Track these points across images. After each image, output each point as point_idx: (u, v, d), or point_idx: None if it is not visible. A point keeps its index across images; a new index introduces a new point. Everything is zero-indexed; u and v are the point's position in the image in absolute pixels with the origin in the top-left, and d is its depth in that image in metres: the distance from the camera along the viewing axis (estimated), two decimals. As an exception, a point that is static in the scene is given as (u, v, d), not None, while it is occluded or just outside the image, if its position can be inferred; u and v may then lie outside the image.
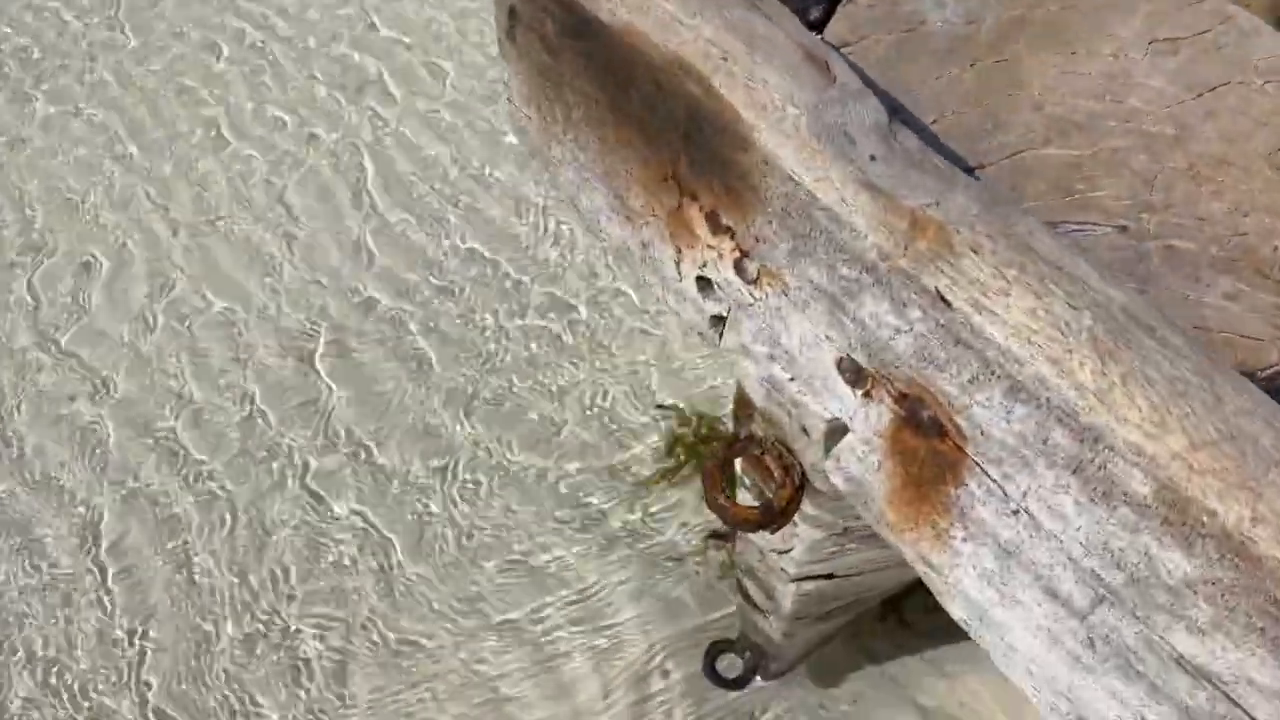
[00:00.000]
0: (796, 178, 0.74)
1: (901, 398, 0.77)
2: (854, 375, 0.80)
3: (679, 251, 0.91)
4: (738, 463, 1.10)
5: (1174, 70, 1.01)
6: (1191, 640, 0.66)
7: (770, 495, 1.02)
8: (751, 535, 1.33)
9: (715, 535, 2.24)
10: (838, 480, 0.90)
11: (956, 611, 0.84)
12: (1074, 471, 0.67)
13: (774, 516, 0.97)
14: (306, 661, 2.15)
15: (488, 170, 2.95)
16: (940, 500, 0.79)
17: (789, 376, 0.89)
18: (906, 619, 2.12)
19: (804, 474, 0.98)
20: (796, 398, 0.89)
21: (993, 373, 0.69)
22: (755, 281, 0.85)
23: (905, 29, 1.05)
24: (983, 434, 0.72)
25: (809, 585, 1.37)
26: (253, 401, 2.52)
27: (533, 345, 2.58)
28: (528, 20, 0.95)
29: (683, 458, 2.35)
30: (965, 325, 0.68)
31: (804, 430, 0.92)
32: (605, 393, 2.50)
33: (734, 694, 2.04)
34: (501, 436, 2.43)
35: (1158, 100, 0.99)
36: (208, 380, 2.57)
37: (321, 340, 2.63)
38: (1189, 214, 0.91)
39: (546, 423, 2.45)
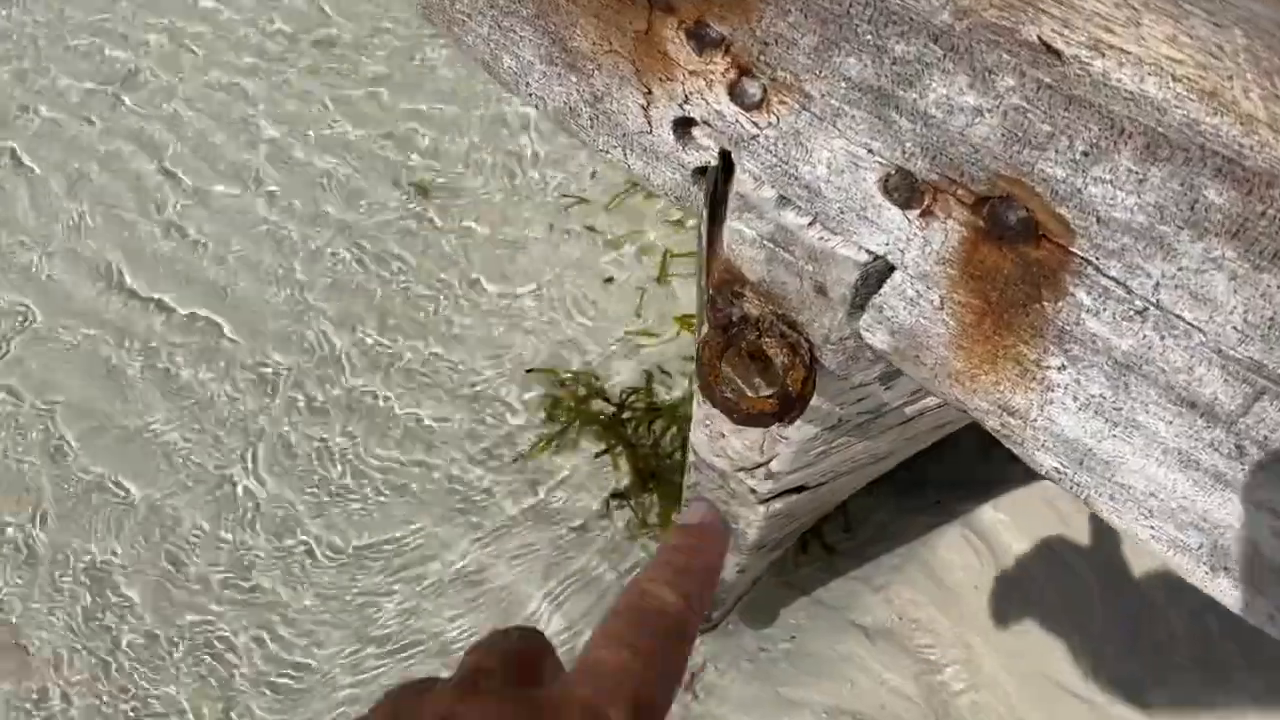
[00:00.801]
0: (831, -66, 0.59)
1: (979, 204, 0.63)
2: (907, 193, 0.66)
3: (648, 92, 0.73)
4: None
5: None
6: (1391, 411, 0.56)
7: (751, 393, 0.87)
8: (715, 459, 1.18)
9: (617, 495, 2.08)
10: (878, 339, 0.76)
11: (1046, 461, 0.72)
12: (1234, 235, 0.55)
13: (791, 404, 0.82)
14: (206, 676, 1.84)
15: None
16: (1030, 325, 0.66)
17: (807, 221, 0.73)
18: (829, 543, 2.04)
19: (813, 351, 0.84)
20: (817, 246, 0.74)
21: (1120, 132, 0.55)
22: (760, 105, 0.69)
23: None
24: (1099, 221, 0.59)
25: (778, 504, 1.23)
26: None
27: (372, 342, 2.34)
28: None
29: (565, 421, 2.18)
30: (1082, 77, 0.55)
31: (820, 291, 0.77)
32: (465, 369, 2.29)
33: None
34: (364, 437, 2.18)
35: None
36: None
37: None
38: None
39: (408, 414, 2.21)
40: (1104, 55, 0.54)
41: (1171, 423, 0.64)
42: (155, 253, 2.47)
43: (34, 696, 1.85)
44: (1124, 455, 0.67)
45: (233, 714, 1.85)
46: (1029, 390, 0.69)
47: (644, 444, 2.13)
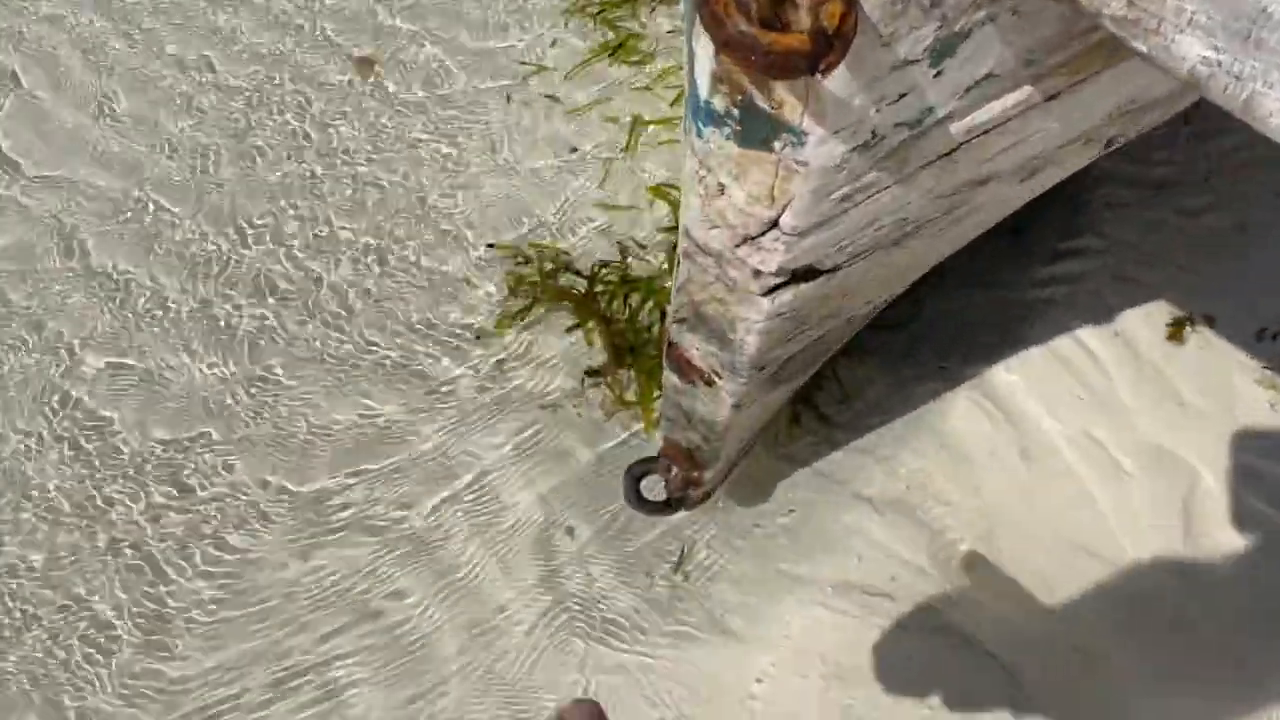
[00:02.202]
0: None
1: None
2: None
3: None
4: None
5: None
6: None
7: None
8: (711, 233, 0.98)
9: (592, 372, 1.88)
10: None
11: (1192, 50, 0.52)
12: None
13: (828, 44, 0.63)
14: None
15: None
16: None
17: None
18: (823, 413, 1.85)
19: (850, -17, 0.64)
20: None
21: None
22: None
23: None
24: None
25: (785, 296, 1.04)
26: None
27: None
28: None
29: (531, 297, 1.97)
30: None
31: None
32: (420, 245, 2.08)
33: (659, 530, 1.71)
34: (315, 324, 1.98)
35: None
36: None
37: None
38: None
39: (363, 295, 2.00)
40: None
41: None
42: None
43: None
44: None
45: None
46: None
47: (619, 318, 1.93)
